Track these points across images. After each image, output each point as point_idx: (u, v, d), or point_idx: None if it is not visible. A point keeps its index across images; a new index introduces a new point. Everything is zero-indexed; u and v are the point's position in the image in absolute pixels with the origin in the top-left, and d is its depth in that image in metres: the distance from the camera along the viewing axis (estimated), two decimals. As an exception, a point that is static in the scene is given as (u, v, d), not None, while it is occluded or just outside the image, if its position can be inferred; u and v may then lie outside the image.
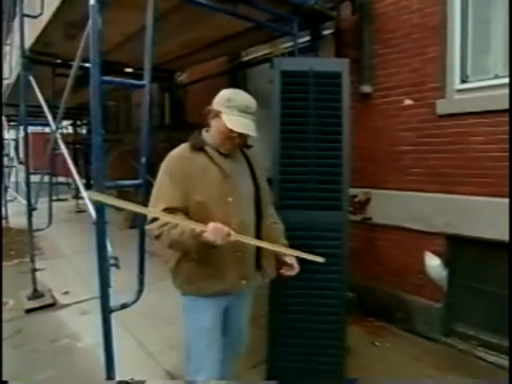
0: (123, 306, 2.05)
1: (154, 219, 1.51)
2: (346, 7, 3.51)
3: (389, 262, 3.39)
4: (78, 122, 10.88)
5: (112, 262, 1.92)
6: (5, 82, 6.20)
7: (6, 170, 7.66)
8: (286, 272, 1.73)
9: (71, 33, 2.90)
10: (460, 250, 2.97)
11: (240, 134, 1.56)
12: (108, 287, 1.94)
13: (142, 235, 2.13)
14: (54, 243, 6.24)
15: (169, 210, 1.48)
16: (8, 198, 7.38)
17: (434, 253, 3.06)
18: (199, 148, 1.61)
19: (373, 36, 3.37)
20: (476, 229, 2.79)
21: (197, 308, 1.68)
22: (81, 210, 8.79)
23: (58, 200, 9.96)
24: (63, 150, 2.73)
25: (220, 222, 1.44)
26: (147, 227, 1.55)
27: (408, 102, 3.18)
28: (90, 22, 1.81)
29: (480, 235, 2.77)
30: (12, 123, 7.88)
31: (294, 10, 2.91)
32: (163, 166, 1.60)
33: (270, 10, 2.67)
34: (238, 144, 1.65)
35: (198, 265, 1.59)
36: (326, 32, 3.56)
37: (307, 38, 3.45)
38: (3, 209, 7.38)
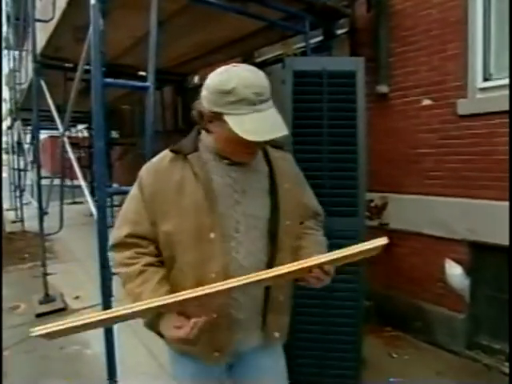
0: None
1: (119, 245, 1.13)
2: (360, 5, 3.38)
3: (407, 269, 3.24)
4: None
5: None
6: (20, 87, 6.29)
7: (21, 174, 7.75)
8: (312, 278, 1.08)
9: (79, 36, 2.86)
10: (483, 257, 2.80)
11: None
12: (110, 296, 1.87)
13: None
14: (68, 247, 6.28)
15: (133, 238, 1.12)
16: (24, 202, 7.47)
17: (456, 261, 2.90)
18: (185, 154, 1.12)
19: (389, 34, 3.24)
20: (501, 236, 2.61)
21: (173, 359, 1.26)
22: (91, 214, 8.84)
23: (75, 203, 10.08)
24: (70, 153, 2.69)
25: (193, 267, 1.07)
26: (109, 253, 1.19)
27: (427, 102, 3.04)
28: (91, 23, 1.74)
29: (505, 242, 2.59)
30: (29, 127, 7.99)
31: (307, 7, 2.81)
32: (137, 180, 1.18)
33: (282, 7, 2.58)
34: (257, 151, 1.14)
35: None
36: (339, 31, 3.44)
37: (320, 38, 3.34)
38: (19, 212, 7.48)
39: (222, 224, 1.08)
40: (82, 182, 2.55)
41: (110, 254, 1.17)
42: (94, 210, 2.16)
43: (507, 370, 2.62)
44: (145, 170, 1.17)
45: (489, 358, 2.76)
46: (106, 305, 1.87)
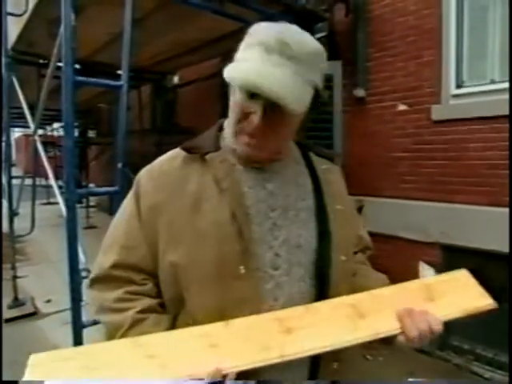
0: (96, 322, 1.91)
1: (102, 280, 0.82)
2: (339, 9, 3.42)
3: (382, 271, 3.26)
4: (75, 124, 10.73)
5: (84, 274, 1.79)
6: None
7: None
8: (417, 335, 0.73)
9: (53, 31, 2.78)
10: (456, 260, 2.86)
11: (265, 111, 0.72)
12: (80, 301, 1.81)
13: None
14: (40, 248, 6.08)
15: (123, 270, 0.80)
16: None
17: (429, 263, 2.95)
18: (202, 155, 0.82)
19: (367, 38, 3.28)
20: (473, 239, 2.68)
21: None
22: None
23: (49, 203, 9.79)
24: (41, 152, 2.60)
25: (211, 315, 0.73)
26: (89, 291, 0.86)
27: (403, 107, 3.09)
28: (62, 18, 1.68)
29: (477, 245, 2.67)
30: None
31: (285, 9, 2.81)
32: (133, 185, 0.88)
33: (260, 8, 2.57)
34: (257, 133, 0.75)
35: None
36: (318, 34, 3.46)
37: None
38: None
39: (256, 255, 0.76)
40: (52, 182, 2.47)
41: (89, 293, 0.84)
42: (63, 210, 2.10)
43: (476, 369, 2.69)
44: (145, 173, 0.86)
45: (459, 357, 2.82)
46: (76, 310, 1.81)
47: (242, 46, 0.77)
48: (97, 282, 0.82)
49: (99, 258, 0.84)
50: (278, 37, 0.71)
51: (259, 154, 0.79)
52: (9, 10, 3.43)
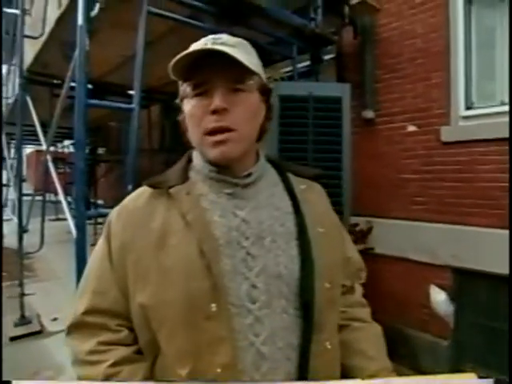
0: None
1: (76, 328, 0.78)
2: (347, 31, 3.46)
3: (392, 294, 3.21)
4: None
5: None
6: (7, 101, 6.21)
7: (4, 189, 7.58)
8: None
9: (67, 53, 2.86)
10: (468, 284, 2.80)
11: (219, 92, 0.73)
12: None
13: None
14: (48, 265, 6.09)
15: (96, 315, 0.76)
16: (4, 217, 7.28)
17: (440, 286, 2.89)
18: (168, 188, 0.80)
19: (375, 60, 3.31)
20: (484, 262, 2.63)
21: None
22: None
23: (58, 220, 9.85)
24: (51, 170, 2.64)
25: (186, 358, 0.69)
26: (66, 337, 0.80)
27: (412, 128, 3.08)
28: (77, 44, 1.72)
29: (489, 269, 2.61)
30: (13, 141, 7.88)
31: (294, 32, 2.85)
32: (104, 226, 0.85)
33: (269, 32, 2.61)
34: (220, 125, 0.74)
35: None
36: (327, 56, 3.50)
37: (307, 63, 3.39)
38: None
39: (229, 290, 0.71)
40: (62, 200, 2.49)
41: (66, 341, 0.79)
42: (73, 229, 2.10)
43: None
44: (114, 213, 0.83)
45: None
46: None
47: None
48: (72, 329, 0.78)
49: (75, 303, 0.80)
50: (205, 39, 0.77)
51: (231, 150, 0.75)
52: (26, 32, 3.55)
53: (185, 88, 0.79)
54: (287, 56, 3.07)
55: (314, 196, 0.88)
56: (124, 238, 0.77)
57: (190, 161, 0.87)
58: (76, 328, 0.78)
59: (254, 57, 0.81)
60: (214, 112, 0.73)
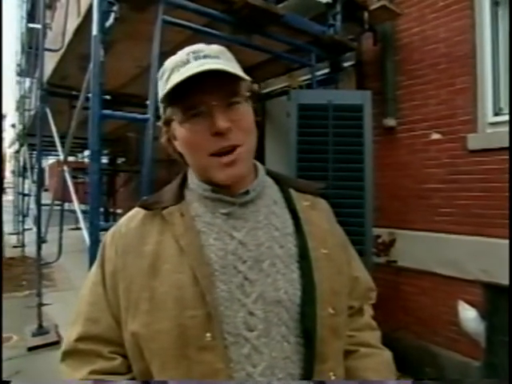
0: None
1: (69, 355, 0.74)
2: (367, 38, 3.38)
3: (417, 310, 3.07)
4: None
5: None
6: (29, 113, 6.37)
7: (25, 198, 7.74)
8: None
9: (84, 65, 2.88)
10: (499, 300, 2.63)
11: (216, 111, 0.68)
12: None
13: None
14: (67, 275, 6.14)
15: (88, 343, 0.72)
16: (26, 227, 7.42)
17: (469, 303, 2.73)
18: (162, 208, 0.76)
19: (396, 67, 3.21)
20: (517, 277, 2.47)
21: None
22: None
23: (77, 229, 10.00)
24: (68, 180, 2.64)
25: None
26: (60, 363, 0.75)
27: (436, 136, 2.96)
28: (92, 54, 1.70)
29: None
30: (35, 152, 8.09)
31: (313, 40, 2.79)
32: (99, 249, 0.81)
33: (287, 40, 2.56)
34: (225, 138, 0.69)
35: None
36: (346, 64, 3.43)
37: (326, 70, 3.32)
38: (20, 237, 7.41)
39: (225, 318, 0.66)
40: (77, 209, 2.48)
41: (60, 368, 0.74)
42: (87, 240, 2.07)
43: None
44: (108, 236, 0.79)
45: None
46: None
47: (161, 86, 0.75)
48: (65, 356, 0.74)
49: (69, 329, 0.76)
50: (187, 51, 0.72)
51: (240, 170, 0.71)
52: (47, 46, 3.62)
53: (171, 111, 0.73)
54: (306, 64, 3.01)
55: (317, 213, 0.82)
56: (116, 264, 0.73)
57: (185, 179, 0.83)
58: (69, 355, 0.73)
59: (235, 61, 0.77)
60: (217, 134, 0.68)
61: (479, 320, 2.68)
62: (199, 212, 0.75)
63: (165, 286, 0.67)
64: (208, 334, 0.64)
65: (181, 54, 0.72)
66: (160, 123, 0.78)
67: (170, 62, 0.74)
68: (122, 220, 0.80)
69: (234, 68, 0.70)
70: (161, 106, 0.75)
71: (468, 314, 2.72)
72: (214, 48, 0.74)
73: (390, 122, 3.18)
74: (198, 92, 0.68)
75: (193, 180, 0.79)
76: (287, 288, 0.70)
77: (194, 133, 0.70)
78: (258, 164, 0.84)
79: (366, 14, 2.97)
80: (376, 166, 2.52)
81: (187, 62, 0.69)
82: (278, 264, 0.72)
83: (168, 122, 0.75)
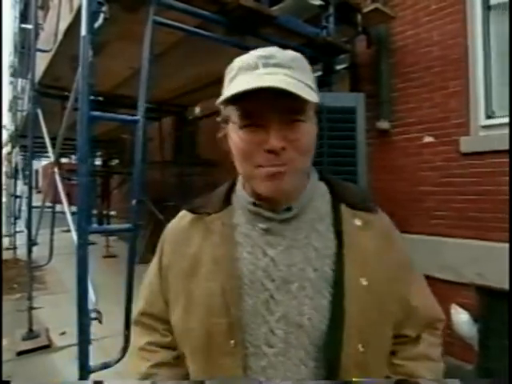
0: (105, 366, 1.80)
1: (137, 323, 0.86)
2: (361, 41, 3.38)
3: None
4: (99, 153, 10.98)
5: (94, 315, 1.69)
6: (22, 114, 6.31)
7: (17, 200, 7.67)
8: None
9: (75, 66, 2.85)
10: (493, 304, 2.63)
11: (274, 124, 0.65)
12: (88, 343, 1.71)
13: (130, 281, 1.90)
14: (59, 277, 6.07)
15: (149, 319, 0.82)
16: (17, 229, 7.34)
17: (463, 306, 2.72)
18: (207, 214, 0.78)
19: (390, 70, 3.22)
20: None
21: None
22: (92, 243, 8.68)
23: (68, 231, 9.89)
24: (58, 182, 2.61)
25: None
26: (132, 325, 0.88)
27: (429, 139, 2.96)
28: (80, 54, 1.67)
29: (516, 288, 2.44)
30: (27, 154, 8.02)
31: (306, 42, 2.78)
32: (160, 239, 0.87)
33: (280, 42, 2.54)
34: (274, 156, 0.65)
35: None
36: (339, 66, 3.42)
37: (320, 73, 3.31)
38: (12, 239, 7.33)
39: (248, 329, 0.68)
40: (67, 212, 2.45)
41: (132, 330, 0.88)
42: (74, 237, 2.02)
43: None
44: (167, 232, 0.84)
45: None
46: (83, 353, 1.71)
47: (225, 84, 0.71)
48: (134, 323, 0.86)
49: (136, 302, 0.89)
50: (257, 54, 0.68)
51: (286, 184, 0.67)
52: (39, 46, 3.58)
53: (229, 111, 0.70)
54: (299, 66, 2.98)
55: (369, 234, 0.74)
56: (168, 259, 0.80)
57: (234, 184, 0.81)
58: (135, 323, 0.86)
59: (310, 72, 0.72)
60: (269, 151, 0.65)
61: (472, 323, 2.68)
62: (240, 221, 0.75)
63: (199, 290, 0.71)
64: (232, 341, 0.67)
65: (251, 56, 0.69)
66: (218, 118, 0.74)
67: (238, 61, 0.70)
68: (175, 219, 0.84)
69: (305, 81, 0.66)
70: (220, 100, 0.67)
71: (460, 318, 2.71)
72: (288, 55, 0.69)
73: (384, 124, 3.18)
74: (258, 102, 0.64)
75: (239, 187, 0.79)
76: (312, 314, 0.67)
77: (247, 143, 0.67)
78: (312, 171, 0.79)
79: (359, 17, 2.97)
80: (370, 168, 2.51)
81: (255, 66, 0.66)
82: (308, 288, 0.69)
83: (226, 120, 0.72)
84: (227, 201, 0.78)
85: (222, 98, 0.65)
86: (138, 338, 0.84)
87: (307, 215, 0.74)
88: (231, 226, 0.74)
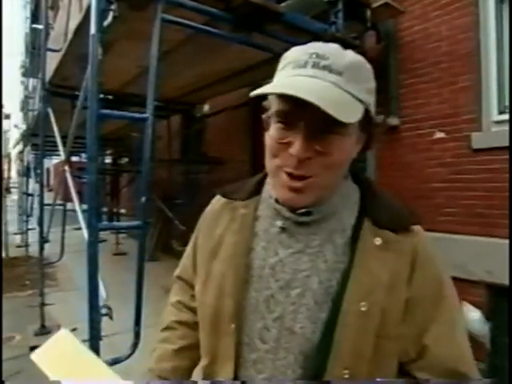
0: (115, 362, 1.82)
1: (175, 280, 0.96)
2: (370, 36, 3.35)
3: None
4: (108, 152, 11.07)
5: (104, 311, 1.71)
6: (33, 113, 6.39)
7: (30, 198, 7.78)
8: None
9: (85, 65, 2.88)
10: (504, 301, 2.59)
11: (305, 136, 0.61)
12: (98, 339, 1.73)
13: (140, 278, 1.91)
14: (70, 274, 6.14)
15: (182, 282, 0.92)
16: (29, 226, 7.45)
17: (474, 304, 2.69)
18: (235, 200, 0.80)
19: (399, 65, 3.18)
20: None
21: None
22: (102, 240, 8.77)
23: (79, 229, 9.98)
24: (69, 180, 2.64)
25: (207, 359, 0.74)
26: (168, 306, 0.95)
27: (439, 135, 2.93)
28: (90, 53, 1.69)
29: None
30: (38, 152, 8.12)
31: (314, 38, 2.75)
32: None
33: (287, 38, 2.53)
34: (299, 167, 0.63)
35: None
36: (348, 62, 3.39)
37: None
38: (24, 237, 7.44)
39: (248, 321, 0.69)
40: (78, 209, 2.48)
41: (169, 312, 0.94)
42: (85, 235, 2.04)
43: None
44: (206, 211, 0.88)
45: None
46: (94, 349, 1.73)
47: (276, 72, 0.69)
48: (174, 280, 0.95)
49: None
50: (311, 51, 0.64)
51: (304, 199, 0.65)
52: (49, 46, 3.62)
53: (270, 102, 0.68)
54: (307, 62, 2.97)
55: (389, 257, 0.66)
56: (201, 238, 0.84)
57: (266, 174, 0.78)
58: (174, 281, 0.95)
59: (366, 82, 0.66)
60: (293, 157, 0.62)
61: (483, 321, 2.65)
62: (263, 214, 0.76)
63: (216, 270, 0.74)
64: (232, 325, 0.69)
65: (305, 50, 0.65)
66: (265, 102, 0.71)
67: (292, 52, 0.67)
68: (213, 200, 0.88)
69: (354, 92, 0.61)
70: (254, 93, 0.63)
71: (471, 316, 2.68)
72: (344, 58, 0.63)
73: (393, 120, 3.15)
74: (292, 104, 0.60)
75: (269, 180, 0.76)
76: (306, 324, 0.65)
77: (276, 139, 0.65)
78: (346, 178, 0.74)
79: (368, 12, 2.94)
80: (379, 165, 2.49)
81: (304, 64, 0.62)
82: (308, 297, 0.66)
83: (268, 108, 0.69)
84: (257, 191, 0.79)
85: (258, 90, 0.61)
86: (173, 295, 0.94)
87: (328, 224, 0.70)
88: (253, 217, 0.75)
